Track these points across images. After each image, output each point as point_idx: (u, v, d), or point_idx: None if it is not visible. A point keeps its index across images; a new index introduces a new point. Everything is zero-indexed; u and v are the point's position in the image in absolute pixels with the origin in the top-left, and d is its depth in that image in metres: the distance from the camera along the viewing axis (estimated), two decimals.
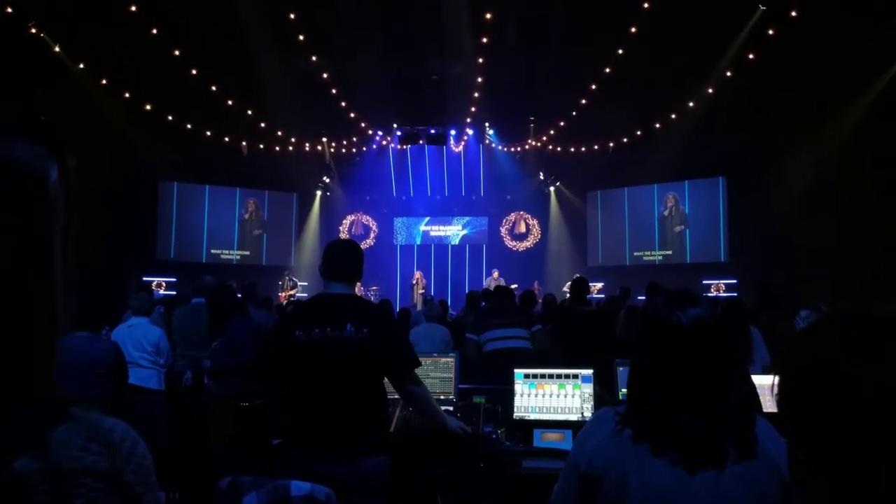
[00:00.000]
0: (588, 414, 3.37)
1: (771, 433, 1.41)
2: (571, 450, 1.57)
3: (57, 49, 11.06)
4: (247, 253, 15.88)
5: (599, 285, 14.22)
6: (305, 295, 14.57)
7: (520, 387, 3.46)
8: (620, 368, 3.54)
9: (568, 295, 12.97)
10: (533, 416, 3.40)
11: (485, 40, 11.45)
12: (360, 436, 2.60)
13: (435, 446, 2.98)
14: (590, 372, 3.47)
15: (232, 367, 4.21)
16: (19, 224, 0.62)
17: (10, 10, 9.91)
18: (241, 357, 4.29)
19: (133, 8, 10.29)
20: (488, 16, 10.91)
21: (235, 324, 4.51)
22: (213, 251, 15.46)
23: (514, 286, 13.52)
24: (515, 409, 3.42)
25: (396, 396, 2.92)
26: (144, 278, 13.14)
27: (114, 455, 0.64)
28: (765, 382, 3.23)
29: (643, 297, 10.05)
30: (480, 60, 11.99)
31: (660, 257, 15.03)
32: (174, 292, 11.85)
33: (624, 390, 3.53)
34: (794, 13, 10.08)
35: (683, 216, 14.74)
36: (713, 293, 13.48)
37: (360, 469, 2.54)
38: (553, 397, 3.44)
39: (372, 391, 2.71)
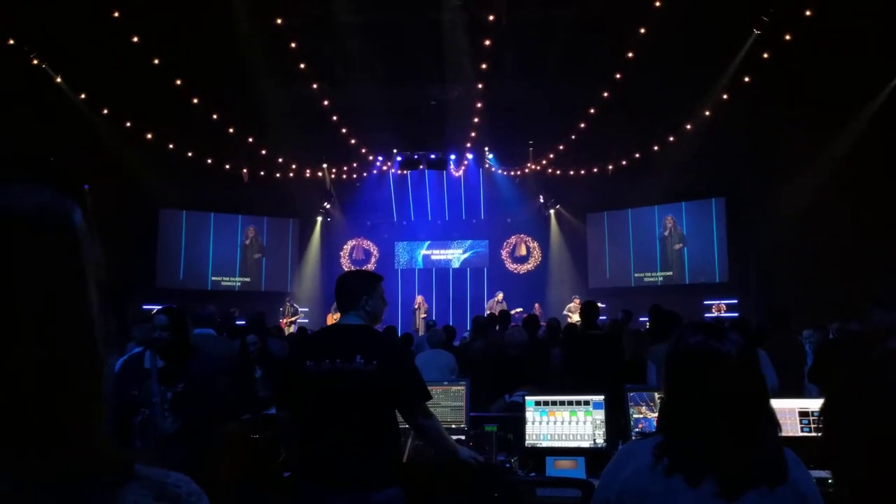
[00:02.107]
0: (600, 441, 3.34)
1: (797, 462, 1.41)
2: (599, 484, 1.55)
3: (58, 80, 11.15)
4: (248, 279, 15.87)
5: (601, 307, 14.19)
6: (307, 321, 14.52)
7: (531, 414, 3.44)
8: (632, 394, 3.53)
9: (570, 318, 13.00)
10: (545, 444, 3.37)
11: (484, 66, 11.57)
12: (371, 468, 2.57)
13: (448, 477, 2.95)
14: (601, 398, 3.45)
15: (204, 416, 3.41)
16: (52, 273, 0.60)
17: (11, 41, 10.02)
18: (210, 403, 3.46)
19: (135, 39, 10.40)
20: (487, 42, 11.04)
21: (195, 365, 3.55)
22: (213, 278, 15.44)
23: (517, 310, 13.59)
24: (527, 437, 3.39)
25: (407, 426, 2.89)
26: (145, 307, 13.09)
27: None
28: (776, 406, 3.22)
29: (645, 319, 10.04)
30: (480, 86, 12.11)
31: (661, 278, 15.03)
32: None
33: (636, 416, 3.51)
34: (787, 37, 10.23)
35: (682, 237, 14.78)
36: (714, 313, 13.48)
37: (372, 502, 2.51)
38: (565, 424, 3.41)
39: (382, 422, 2.68)
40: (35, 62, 10.66)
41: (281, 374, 2.87)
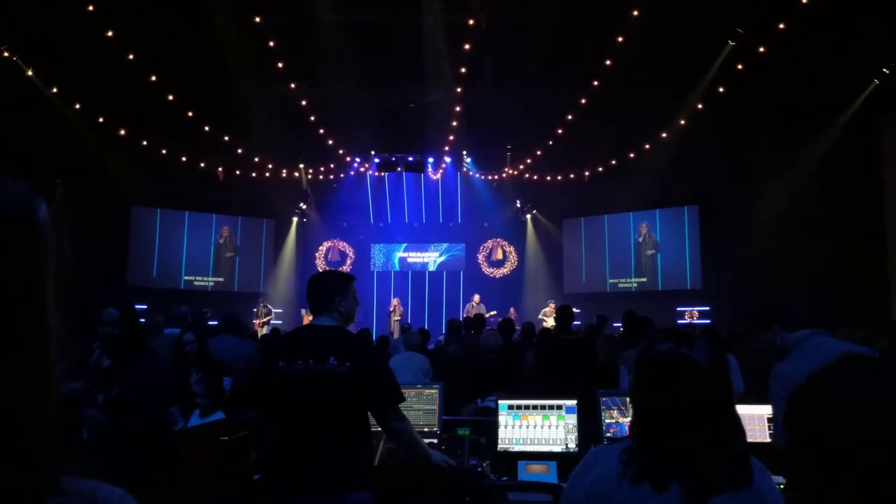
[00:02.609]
0: (572, 446, 3.36)
1: (762, 470, 1.43)
2: (566, 488, 1.56)
3: (30, 73, 10.92)
4: (221, 279, 15.68)
5: (576, 311, 14.29)
6: (280, 322, 14.39)
7: (504, 418, 3.44)
8: (604, 398, 3.55)
9: (545, 322, 13.07)
10: (517, 448, 3.37)
11: (463, 70, 11.60)
12: (343, 470, 2.56)
13: (420, 480, 2.94)
14: (574, 402, 3.47)
15: (134, 426, 2.95)
16: (6, 269, 0.56)
17: None
18: (145, 412, 3.00)
19: (109, 33, 10.23)
20: (466, 46, 11.07)
21: (143, 366, 3.09)
22: (186, 277, 15.23)
23: (492, 313, 13.65)
24: (499, 441, 3.39)
25: (379, 429, 2.88)
26: None
27: None
28: (741, 413, 3.26)
29: (619, 324, 10.13)
30: (459, 89, 12.13)
31: (635, 284, 15.19)
32: (143, 320, 11.60)
33: (607, 421, 3.54)
34: (762, 49, 10.43)
35: (656, 243, 14.96)
36: (687, 320, 13.65)
37: None
38: (537, 428, 3.42)
39: (354, 424, 2.67)
40: (6, 54, 10.44)
41: (253, 375, 2.83)
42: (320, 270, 16.79)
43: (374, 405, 2.73)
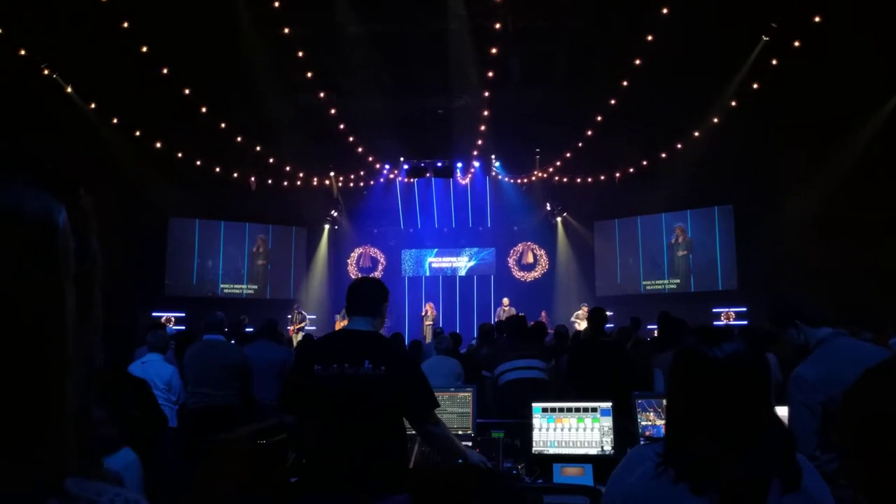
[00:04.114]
0: (608, 448, 3.32)
1: (811, 471, 1.39)
2: (606, 488, 1.54)
3: (69, 89, 11.25)
4: (255, 287, 15.92)
5: (609, 314, 14.16)
6: (314, 328, 14.54)
7: (538, 421, 3.42)
8: (640, 401, 3.51)
9: (578, 325, 12.96)
10: (552, 451, 3.35)
11: (490, 74, 11.60)
12: (377, 474, 2.56)
13: (452, 483, 2.94)
14: (608, 405, 3.43)
15: None
16: (23, 277, 0.55)
17: (23, 52, 10.13)
18: None
19: (144, 48, 10.49)
20: (493, 50, 11.07)
21: None
22: (221, 286, 15.49)
23: (520, 316, 13.57)
24: (534, 444, 3.37)
25: (413, 432, 2.89)
26: (154, 314, 13.16)
27: None
28: (783, 413, 3.18)
29: (653, 327, 9.99)
30: (486, 94, 12.13)
31: (669, 286, 14.97)
32: (182, 327, 11.85)
33: (643, 423, 3.49)
34: (796, 43, 10.20)
35: (690, 244, 14.73)
36: (723, 321, 13.40)
37: None
38: (572, 431, 3.39)
39: (389, 428, 2.67)
40: (46, 72, 10.77)
41: (289, 378, 2.86)
42: (353, 277, 16.96)
43: (409, 411, 2.73)
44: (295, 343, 11.08)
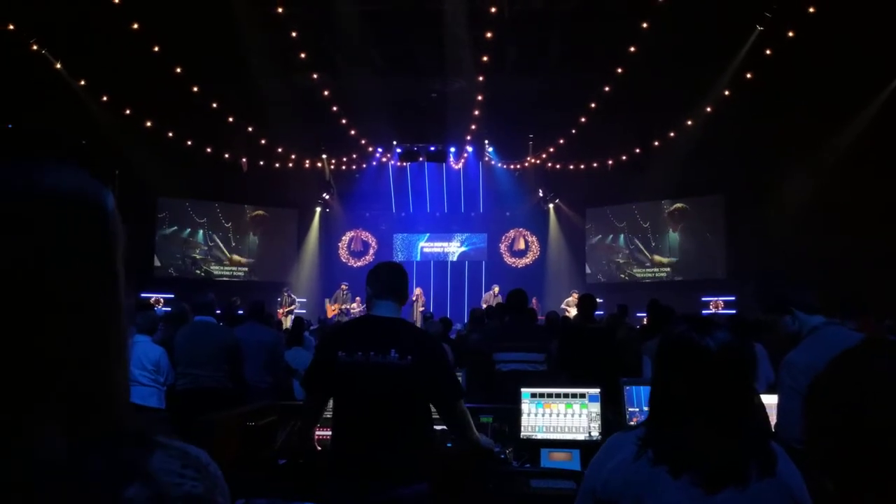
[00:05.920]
0: (595, 434, 3.35)
1: (785, 457, 1.42)
2: (586, 474, 1.57)
3: (58, 66, 11.10)
4: (245, 269, 15.87)
5: (599, 301, 14.22)
6: (304, 311, 14.52)
7: (527, 406, 3.44)
8: (627, 387, 3.53)
9: (568, 312, 13.01)
10: (540, 436, 3.37)
11: (485, 58, 11.53)
12: (399, 462, 2.53)
13: (450, 468, 2.95)
14: (597, 391, 3.45)
15: None
16: (88, 254, 0.62)
17: (11, 26, 9.97)
18: None
19: (135, 25, 10.35)
20: (488, 34, 10.99)
21: None
22: (211, 267, 15.43)
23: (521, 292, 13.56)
24: (522, 429, 3.39)
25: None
26: (142, 294, 13.09)
27: (206, 479, 0.65)
28: (770, 402, 3.20)
29: (642, 314, 10.06)
30: (480, 78, 12.07)
31: (659, 274, 15.05)
32: (169, 308, 11.79)
33: (631, 409, 3.52)
34: (791, 33, 10.20)
35: (680, 233, 14.79)
36: (712, 310, 13.49)
37: (399, 497, 2.48)
38: (560, 416, 3.42)
39: (413, 417, 2.63)
40: (34, 48, 10.62)
41: (311, 364, 2.83)
42: (343, 260, 16.91)
43: (436, 401, 2.71)
44: (284, 326, 11.06)
